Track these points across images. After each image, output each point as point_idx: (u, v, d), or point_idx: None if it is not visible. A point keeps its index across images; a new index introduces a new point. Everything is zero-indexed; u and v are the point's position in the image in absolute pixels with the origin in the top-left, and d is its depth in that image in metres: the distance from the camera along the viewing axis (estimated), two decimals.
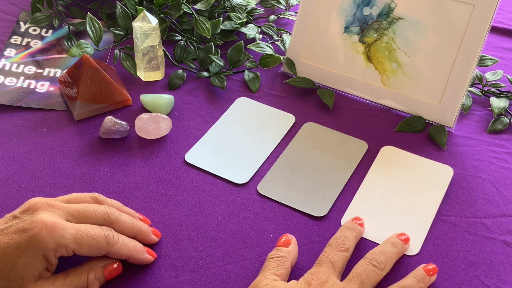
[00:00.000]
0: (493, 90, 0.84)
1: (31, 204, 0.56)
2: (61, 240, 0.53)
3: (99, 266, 0.57)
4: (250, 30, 0.91)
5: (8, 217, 0.56)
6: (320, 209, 0.68)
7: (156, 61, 0.81)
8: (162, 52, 0.82)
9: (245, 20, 0.92)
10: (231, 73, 0.85)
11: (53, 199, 0.58)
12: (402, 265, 0.63)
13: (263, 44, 0.87)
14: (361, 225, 0.64)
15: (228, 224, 0.66)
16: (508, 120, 0.80)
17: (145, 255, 0.60)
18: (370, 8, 0.80)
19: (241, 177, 0.71)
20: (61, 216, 0.56)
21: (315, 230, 0.66)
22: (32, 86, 0.82)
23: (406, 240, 0.63)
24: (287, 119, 0.79)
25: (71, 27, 0.91)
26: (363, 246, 0.64)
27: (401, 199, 0.70)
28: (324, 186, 0.71)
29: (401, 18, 0.78)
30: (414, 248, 0.64)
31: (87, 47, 0.82)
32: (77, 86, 0.76)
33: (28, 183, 0.69)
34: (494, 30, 0.96)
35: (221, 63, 0.85)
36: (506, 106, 0.81)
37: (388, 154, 0.75)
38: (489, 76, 0.86)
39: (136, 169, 0.72)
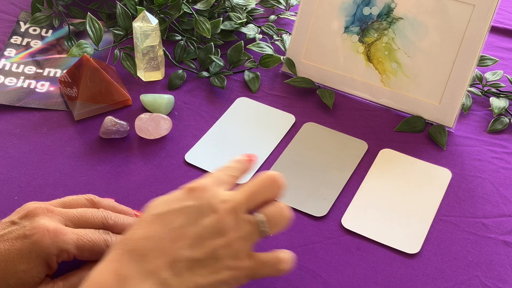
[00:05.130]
0: (493, 90, 0.84)
1: (30, 209, 0.55)
2: (64, 245, 0.53)
3: None
4: (250, 30, 0.91)
5: (5, 223, 0.55)
6: (320, 209, 0.68)
7: (156, 61, 0.81)
8: (162, 52, 0.82)
9: (245, 20, 0.92)
10: (231, 73, 0.85)
11: (49, 203, 0.58)
12: (402, 266, 0.63)
13: (263, 44, 0.87)
14: (249, 161, 0.59)
15: None
16: (508, 120, 0.80)
17: None
18: (370, 8, 0.80)
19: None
20: (60, 221, 0.55)
21: (315, 230, 0.66)
22: (32, 86, 0.82)
23: (249, 160, 0.59)
24: (287, 119, 0.79)
25: (71, 27, 0.91)
26: (363, 247, 0.65)
27: (401, 199, 0.70)
28: (324, 186, 0.71)
29: (401, 18, 0.78)
30: (414, 248, 0.64)
31: (87, 47, 0.82)
32: (77, 86, 0.76)
33: (28, 183, 0.69)
34: (494, 30, 0.96)
35: (221, 63, 0.85)
36: (506, 106, 0.81)
37: (387, 156, 0.75)
38: (489, 76, 0.86)
39: (136, 169, 0.72)
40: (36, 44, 0.89)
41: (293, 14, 0.95)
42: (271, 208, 0.54)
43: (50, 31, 0.91)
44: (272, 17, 0.95)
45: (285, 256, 0.54)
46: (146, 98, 0.79)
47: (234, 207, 0.52)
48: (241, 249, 0.51)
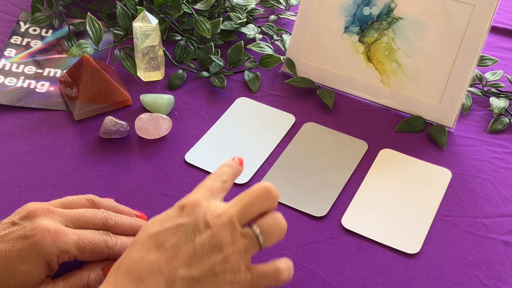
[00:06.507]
0: (493, 90, 0.84)
1: (30, 210, 0.55)
2: (64, 246, 0.53)
3: (98, 268, 0.57)
4: (250, 30, 0.91)
5: (6, 223, 0.55)
6: (320, 209, 0.68)
7: (156, 61, 0.81)
8: (162, 52, 0.82)
9: (245, 20, 0.92)
10: (231, 73, 0.85)
11: (49, 203, 0.58)
12: (402, 266, 0.63)
13: (263, 44, 0.87)
14: (240, 163, 0.58)
15: None
16: (508, 120, 0.80)
17: None
18: (370, 8, 0.80)
19: (241, 177, 0.71)
20: (60, 222, 0.55)
21: (315, 230, 0.66)
22: (32, 86, 0.82)
23: (241, 162, 0.58)
24: (287, 119, 0.79)
25: (71, 27, 0.91)
26: (363, 247, 0.65)
27: (401, 199, 0.70)
28: (324, 186, 0.71)
29: (401, 18, 0.78)
30: (414, 248, 0.64)
31: (87, 47, 0.82)
32: (77, 86, 0.76)
33: (28, 183, 0.69)
34: (494, 30, 0.96)
35: (221, 63, 0.85)
36: (506, 106, 0.81)
37: (387, 156, 0.75)
38: (489, 76, 0.86)
39: (136, 169, 0.72)
40: (36, 44, 0.89)
41: (293, 14, 0.95)
42: (267, 220, 0.52)
43: (50, 31, 0.91)
44: (272, 17, 0.95)
45: (284, 265, 0.53)
46: (146, 98, 0.79)
47: (229, 221, 0.50)
48: (239, 263, 0.50)
